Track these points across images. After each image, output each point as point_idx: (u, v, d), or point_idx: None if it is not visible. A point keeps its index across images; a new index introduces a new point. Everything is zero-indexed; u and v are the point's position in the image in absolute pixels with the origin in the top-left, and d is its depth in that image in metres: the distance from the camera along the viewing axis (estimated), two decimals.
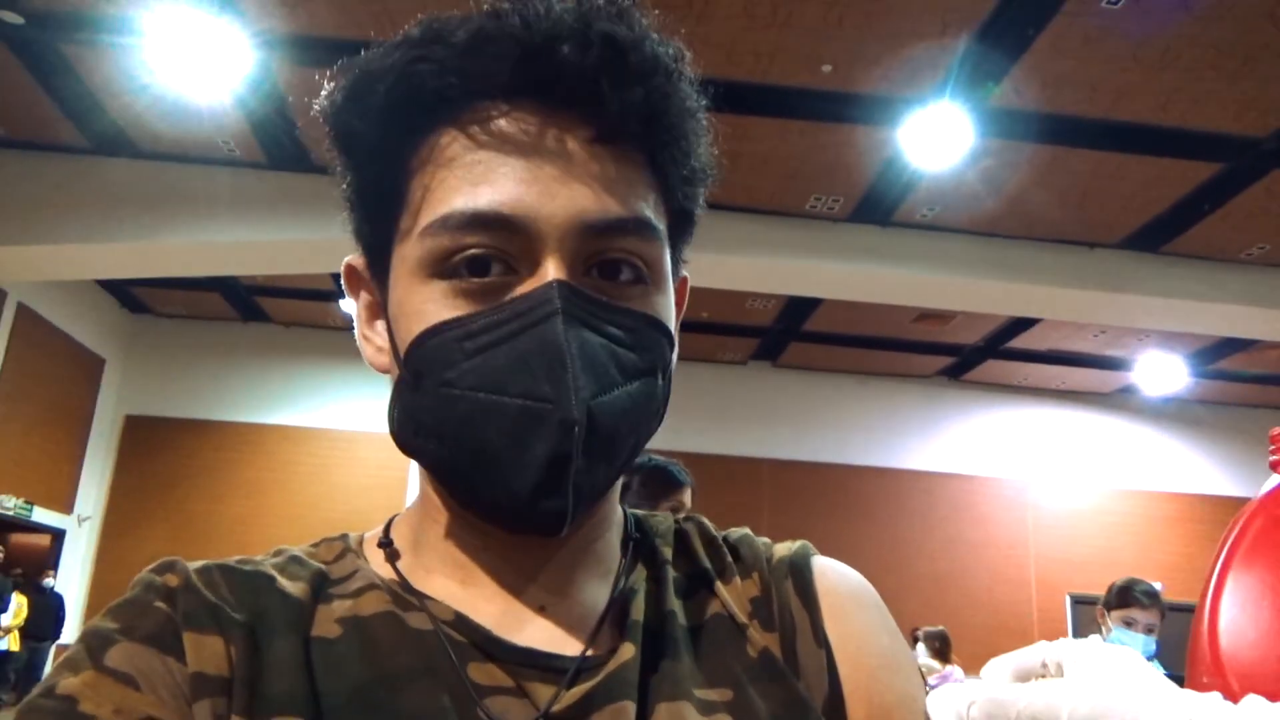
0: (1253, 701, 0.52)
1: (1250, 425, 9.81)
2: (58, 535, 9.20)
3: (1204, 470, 10.23)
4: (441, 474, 0.56)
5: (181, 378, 9.81)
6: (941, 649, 6.39)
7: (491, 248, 0.52)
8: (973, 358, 9.65)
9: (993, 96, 5.25)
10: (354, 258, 0.60)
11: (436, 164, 0.53)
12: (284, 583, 0.56)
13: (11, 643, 8.47)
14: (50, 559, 9.17)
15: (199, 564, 0.56)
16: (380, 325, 0.59)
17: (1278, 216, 6.23)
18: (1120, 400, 10.40)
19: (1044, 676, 0.58)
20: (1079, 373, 9.81)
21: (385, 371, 0.59)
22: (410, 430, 0.55)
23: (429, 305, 0.52)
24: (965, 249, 6.83)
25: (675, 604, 0.59)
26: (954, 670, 7.11)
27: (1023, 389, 10.34)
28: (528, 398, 0.50)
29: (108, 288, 9.33)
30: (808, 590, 0.60)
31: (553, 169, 0.52)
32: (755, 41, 4.97)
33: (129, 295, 9.53)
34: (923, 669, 6.13)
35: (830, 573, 0.63)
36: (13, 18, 5.07)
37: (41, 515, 8.82)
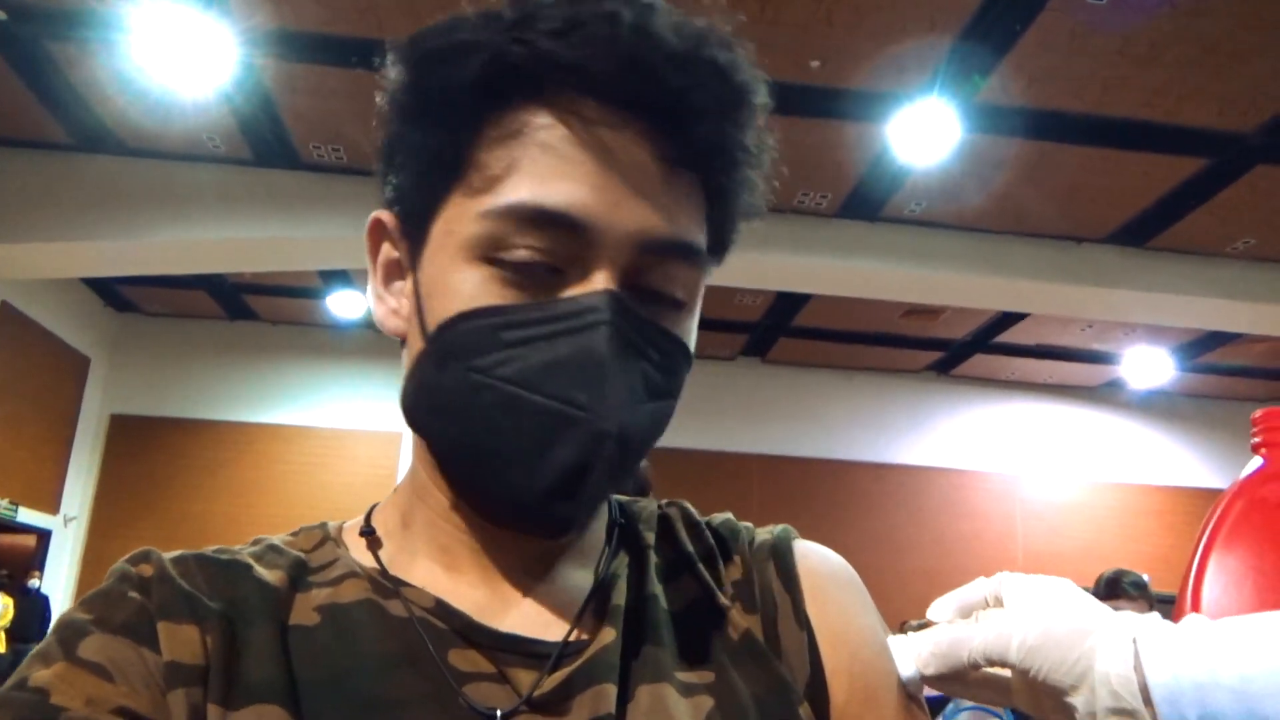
0: (1192, 619, 0.54)
1: (1235, 418, 9.87)
2: (44, 536, 9.14)
3: (1190, 463, 10.29)
4: (447, 457, 0.56)
5: (168, 377, 9.75)
6: None
7: (547, 249, 0.51)
8: (961, 353, 9.68)
9: (980, 92, 5.26)
10: (383, 213, 0.59)
11: (511, 143, 0.52)
12: (261, 571, 0.56)
13: None
14: (36, 560, 9.11)
15: (174, 554, 0.56)
16: (399, 286, 0.59)
17: (1263, 211, 6.27)
18: (1107, 394, 10.45)
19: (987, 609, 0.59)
20: (1066, 367, 9.86)
21: (394, 334, 0.58)
22: (424, 407, 0.55)
23: (469, 287, 0.52)
24: (953, 244, 6.85)
25: (657, 588, 0.59)
26: None
27: (1011, 383, 10.38)
28: (561, 401, 0.50)
29: (93, 286, 9.27)
30: (789, 572, 0.61)
31: (624, 179, 0.52)
32: (742, 37, 4.96)
33: (115, 294, 9.47)
34: None
35: (811, 555, 0.64)
36: None
37: (27, 516, 8.76)
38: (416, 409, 0.56)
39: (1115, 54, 4.92)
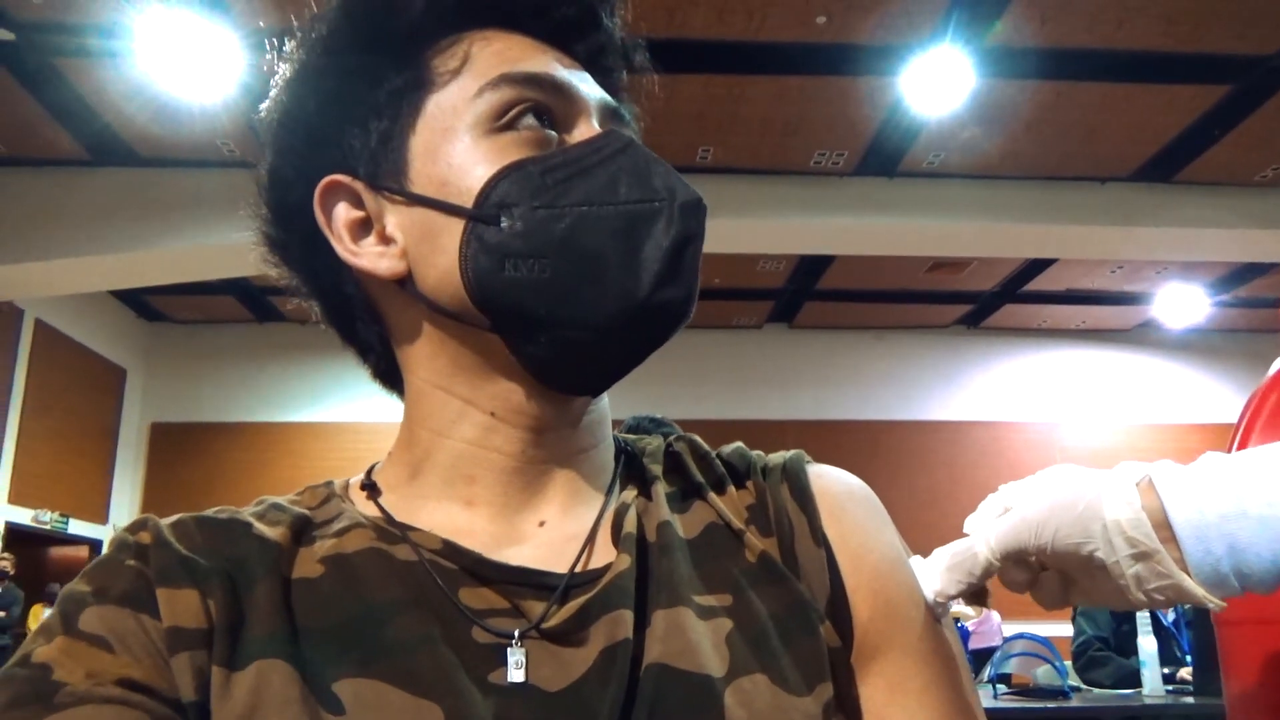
0: (1209, 455, 0.53)
1: (1272, 350, 9.67)
2: (95, 546, 9.33)
3: (1230, 400, 10.13)
4: (535, 302, 0.53)
5: (204, 382, 9.88)
6: (978, 594, 6.38)
7: (547, 103, 0.57)
8: (990, 304, 9.57)
9: (992, 35, 5.16)
10: (334, 176, 0.59)
11: (458, 49, 0.59)
12: (262, 528, 0.56)
13: None
14: None
15: (173, 518, 0.56)
16: (369, 240, 0.59)
17: None
18: (1142, 335, 10.30)
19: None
20: (1099, 311, 9.72)
21: (393, 275, 0.57)
22: (495, 267, 0.53)
23: (495, 153, 0.56)
24: (975, 193, 6.75)
25: (669, 516, 0.59)
26: (992, 615, 7.11)
27: (1043, 332, 10.26)
28: (638, 200, 0.54)
29: (122, 298, 9.39)
30: (804, 492, 0.61)
31: (564, 62, 0.60)
32: None
33: (144, 304, 9.60)
34: (959, 615, 6.11)
35: (826, 475, 0.64)
36: (3, 34, 5.07)
37: (78, 527, 8.95)
38: (486, 275, 0.54)
39: None
